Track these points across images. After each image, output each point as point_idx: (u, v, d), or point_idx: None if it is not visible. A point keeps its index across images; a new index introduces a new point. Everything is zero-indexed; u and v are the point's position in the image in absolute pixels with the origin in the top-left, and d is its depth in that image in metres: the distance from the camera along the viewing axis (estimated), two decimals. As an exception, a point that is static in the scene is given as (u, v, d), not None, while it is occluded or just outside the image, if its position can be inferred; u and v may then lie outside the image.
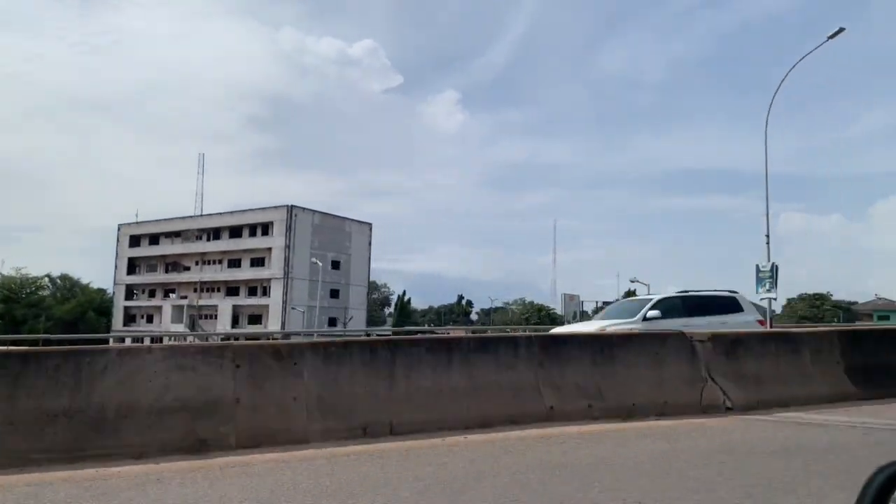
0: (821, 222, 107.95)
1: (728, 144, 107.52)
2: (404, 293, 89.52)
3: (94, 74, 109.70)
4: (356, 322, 69.41)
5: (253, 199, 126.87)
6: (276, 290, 65.93)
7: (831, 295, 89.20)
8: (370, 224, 75.16)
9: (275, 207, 66.87)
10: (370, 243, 74.84)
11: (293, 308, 64.03)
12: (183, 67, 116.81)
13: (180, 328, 67.23)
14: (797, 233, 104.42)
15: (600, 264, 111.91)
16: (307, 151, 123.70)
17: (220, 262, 71.95)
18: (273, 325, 64.52)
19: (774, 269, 19.47)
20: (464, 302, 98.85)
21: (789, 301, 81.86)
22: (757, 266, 19.77)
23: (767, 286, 19.38)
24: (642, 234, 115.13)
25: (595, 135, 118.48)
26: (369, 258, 75.35)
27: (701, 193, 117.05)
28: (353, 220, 73.24)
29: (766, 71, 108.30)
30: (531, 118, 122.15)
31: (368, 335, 39.84)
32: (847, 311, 79.16)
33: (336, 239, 70.21)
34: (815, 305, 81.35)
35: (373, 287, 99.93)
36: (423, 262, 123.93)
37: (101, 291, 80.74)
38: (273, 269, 66.38)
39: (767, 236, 20.06)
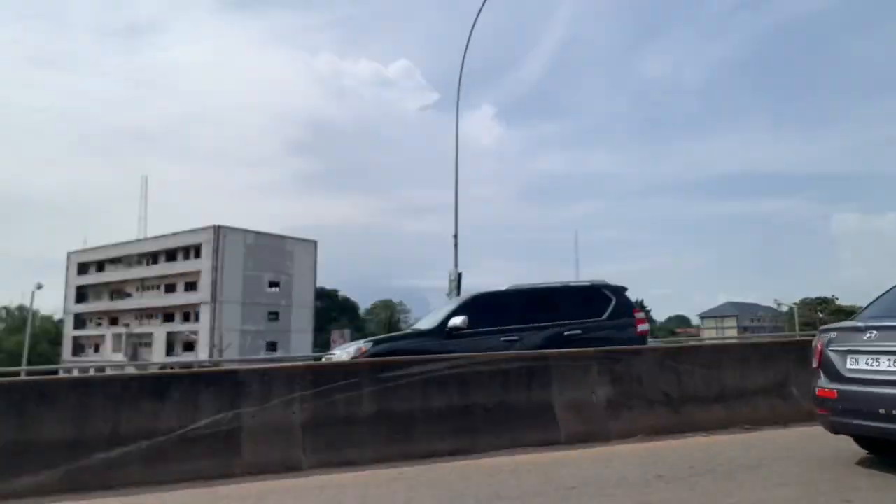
0: (877, 221, 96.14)
1: (774, 147, 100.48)
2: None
3: (139, 107, 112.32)
4: (300, 345, 65.82)
5: (296, 222, 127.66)
6: (207, 316, 62.99)
7: (836, 299, 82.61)
8: (315, 242, 71.76)
9: (203, 229, 64.17)
10: (315, 262, 71.37)
11: (223, 334, 60.90)
12: (224, 97, 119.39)
13: (120, 357, 65.07)
14: (853, 234, 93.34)
15: (648, 274, 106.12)
16: (348, 173, 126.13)
17: (158, 287, 69.70)
18: (203, 352, 61.51)
19: (458, 278, 14.97)
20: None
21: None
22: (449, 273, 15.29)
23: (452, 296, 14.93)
24: (691, 242, 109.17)
25: (635, 143, 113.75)
26: (314, 278, 71.85)
27: (750, 197, 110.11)
28: (295, 238, 69.99)
29: (806, 69, 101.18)
30: (569, 129, 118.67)
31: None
32: (852, 315, 72.01)
33: (274, 259, 67.00)
34: (816, 310, 75.70)
35: (385, 306, 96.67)
36: (467, 277, 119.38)
37: (51, 321, 79.79)
38: (202, 294, 63.54)
39: (455, 237, 15.38)
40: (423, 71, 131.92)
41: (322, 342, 68.86)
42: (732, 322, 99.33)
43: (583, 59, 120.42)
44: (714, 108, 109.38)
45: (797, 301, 76.23)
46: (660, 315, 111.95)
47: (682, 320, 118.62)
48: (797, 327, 52.46)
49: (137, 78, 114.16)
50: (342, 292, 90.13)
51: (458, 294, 14.38)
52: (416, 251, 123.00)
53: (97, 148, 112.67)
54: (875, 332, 4.85)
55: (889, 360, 4.74)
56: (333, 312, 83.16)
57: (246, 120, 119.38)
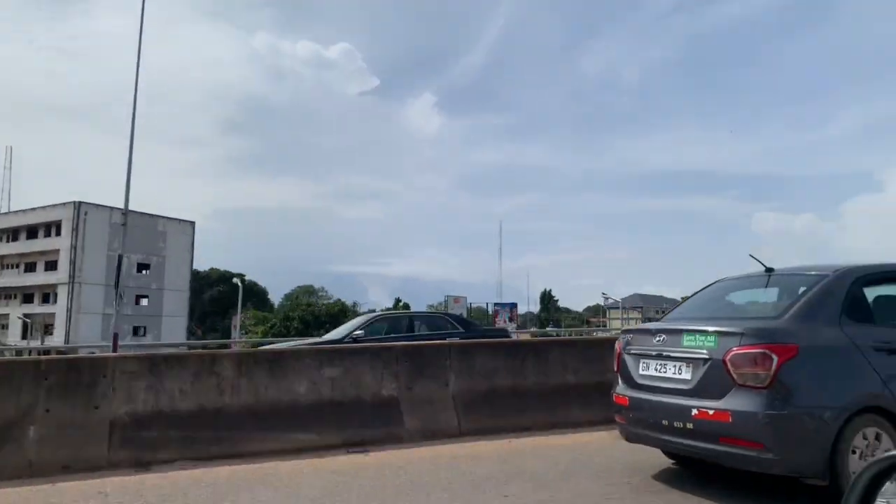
0: (794, 221, 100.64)
1: (703, 146, 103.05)
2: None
3: (64, 79, 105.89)
4: (173, 330, 63.16)
5: (226, 203, 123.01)
6: (64, 297, 59.58)
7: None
8: (192, 222, 68.93)
9: (63, 204, 60.53)
10: (193, 244, 68.53)
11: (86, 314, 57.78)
12: (155, 71, 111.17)
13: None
14: (771, 232, 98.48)
15: (578, 266, 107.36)
16: (284, 155, 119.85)
17: (18, 266, 65.60)
18: (59, 335, 58.26)
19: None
20: (401, 304, 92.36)
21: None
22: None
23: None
24: (622, 236, 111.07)
25: (573, 138, 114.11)
26: (192, 260, 69.05)
27: (679, 194, 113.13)
28: (169, 218, 66.90)
29: (737, 72, 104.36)
30: (509, 121, 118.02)
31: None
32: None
33: (145, 239, 63.78)
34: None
35: (306, 292, 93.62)
36: (403, 265, 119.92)
37: None
38: (61, 274, 60.04)
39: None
40: (365, 55, 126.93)
41: (223, 329, 66.33)
42: (637, 314, 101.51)
43: (524, 52, 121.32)
44: (648, 108, 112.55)
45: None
46: (580, 305, 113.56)
47: (598, 310, 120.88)
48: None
49: (63, 48, 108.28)
50: (250, 277, 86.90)
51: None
52: (353, 237, 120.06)
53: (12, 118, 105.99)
54: (664, 335, 4.52)
55: (675, 366, 4.35)
56: (235, 298, 79.92)
57: (178, 97, 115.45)
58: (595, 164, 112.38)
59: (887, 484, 1.52)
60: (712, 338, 4.17)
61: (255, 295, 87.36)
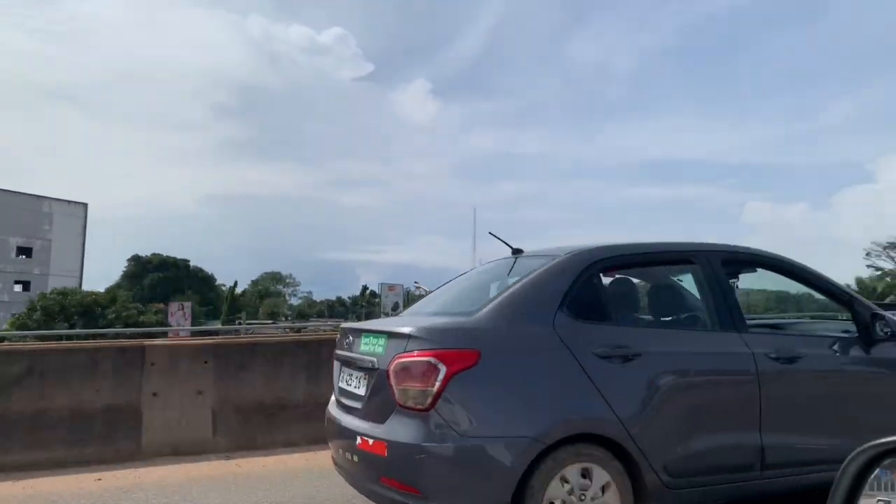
0: (786, 211, 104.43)
1: (696, 134, 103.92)
2: (235, 284, 78.35)
3: (56, 63, 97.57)
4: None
5: (218, 189, 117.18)
6: (-71, 282, 53.83)
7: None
8: (85, 204, 63.87)
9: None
10: (85, 227, 63.55)
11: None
12: (148, 56, 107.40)
13: None
14: (763, 222, 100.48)
15: None
16: (277, 141, 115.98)
17: None
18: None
19: None
20: (367, 292, 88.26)
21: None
22: None
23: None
24: (616, 224, 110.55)
25: (567, 125, 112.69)
26: (83, 244, 64.05)
27: (672, 183, 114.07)
28: (57, 199, 61.70)
29: (730, 60, 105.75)
30: (503, 108, 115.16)
31: None
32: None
33: (27, 221, 58.59)
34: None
35: (273, 279, 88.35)
36: (397, 252, 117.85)
37: None
38: (-75, 256, 54.20)
39: None
40: (359, 40, 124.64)
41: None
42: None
43: (518, 39, 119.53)
44: (641, 96, 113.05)
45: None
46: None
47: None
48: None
49: (55, 31, 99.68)
50: (194, 262, 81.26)
51: None
52: (346, 224, 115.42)
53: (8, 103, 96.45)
54: (352, 336, 3.49)
55: (356, 377, 3.31)
56: (179, 284, 74.66)
57: (171, 82, 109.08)
58: (588, 152, 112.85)
59: (876, 471, 1.46)
60: (382, 340, 3.07)
61: (202, 281, 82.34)
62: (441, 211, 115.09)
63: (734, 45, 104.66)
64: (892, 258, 53.77)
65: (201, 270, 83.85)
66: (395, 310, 34.29)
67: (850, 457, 1.46)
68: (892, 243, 53.81)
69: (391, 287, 46.73)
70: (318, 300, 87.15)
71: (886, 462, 1.46)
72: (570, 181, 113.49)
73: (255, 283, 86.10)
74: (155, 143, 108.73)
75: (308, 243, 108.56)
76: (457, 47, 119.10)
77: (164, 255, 77.43)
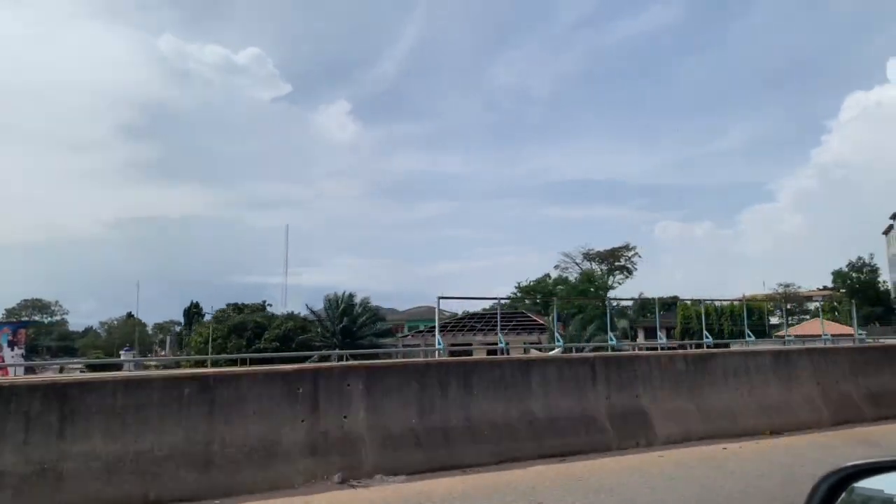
0: (693, 229, 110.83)
1: (609, 157, 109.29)
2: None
3: None
4: None
5: (127, 212, 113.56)
6: None
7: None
8: None
9: None
10: None
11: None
12: (46, 73, 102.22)
13: None
14: (673, 239, 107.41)
15: (491, 270, 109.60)
16: (190, 162, 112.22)
17: None
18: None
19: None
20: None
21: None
22: None
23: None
24: (535, 243, 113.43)
25: (487, 147, 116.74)
26: None
27: (587, 203, 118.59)
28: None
29: (638, 87, 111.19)
30: (424, 130, 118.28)
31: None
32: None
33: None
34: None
35: (36, 305, 76.11)
36: (316, 274, 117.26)
37: None
38: None
39: None
40: (276, 61, 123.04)
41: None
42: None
43: (438, 61, 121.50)
44: (557, 118, 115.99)
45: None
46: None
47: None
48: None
49: None
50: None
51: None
52: (263, 246, 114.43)
53: None
54: None
55: None
56: None
57: (72, 99, 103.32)
58: (507, 173, 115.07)
59: (843, 495, 1.51)
60: None
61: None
62: (360, 232, 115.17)
63: (644, 69, 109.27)
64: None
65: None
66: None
67: (820, 478, 1.47)
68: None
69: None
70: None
71: (855, 483, 1.50)
72: (491, 201, 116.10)
73: (10, 311, 69.23)
74: (52, 163, 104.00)
75: (220, 267, 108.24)
76: (377, 69, 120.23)
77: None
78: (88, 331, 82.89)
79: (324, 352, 25.82)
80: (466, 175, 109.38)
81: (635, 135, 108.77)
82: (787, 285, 60.46)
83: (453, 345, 29.69)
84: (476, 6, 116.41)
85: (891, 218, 57.29)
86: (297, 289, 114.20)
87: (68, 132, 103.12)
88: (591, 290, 58.54)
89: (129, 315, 72.35)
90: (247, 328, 33.93)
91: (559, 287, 61.78)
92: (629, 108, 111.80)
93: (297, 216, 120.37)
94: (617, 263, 67.56)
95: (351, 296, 34.87)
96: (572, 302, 43.74)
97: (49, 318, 76.22)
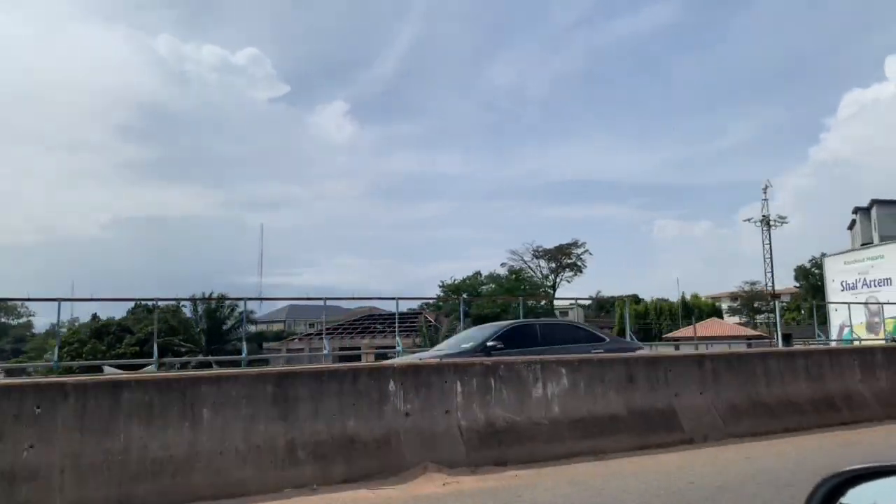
0: (692, 228, 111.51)
1: (607, 156, 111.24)
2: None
3: None
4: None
5: (125, 213, 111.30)
6: None
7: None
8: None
9: None
10: None
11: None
12: (44, 74, 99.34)
13: None
14: (671, 239, 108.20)
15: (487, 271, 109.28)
16: (188, 162, 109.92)
17: None
18: None
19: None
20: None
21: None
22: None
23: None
24: (530, 243, 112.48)
25: (484, 147, 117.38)
26: None
27: (585, 203, 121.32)
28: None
29: (637, 86, 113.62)
30: (422, 130, 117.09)
31: None
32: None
33: None
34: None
35: None
36: (313, 275, 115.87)
37: None
38: None
39: None
40: (274, 61, 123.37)
41: None
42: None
43: (435, 61, 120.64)
44: (555, 118, 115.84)
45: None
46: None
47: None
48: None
49: None
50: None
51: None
52: (259, 246, 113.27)
53: None
54: None
55: None
56: None
57: (68, 99, 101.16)
58: (505, 172, 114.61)
59: (840, 501, 1.51)
60: None
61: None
62: (359, 232, 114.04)
63: (642, 69, 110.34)
64: None
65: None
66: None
67: (818, 482, 1.51)
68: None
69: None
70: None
71: (853, 488, 1.50)
72: (490, 201, 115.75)
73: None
74: (48, 163, 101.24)
75: (221, 267, 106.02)
76: (375, 69, 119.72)
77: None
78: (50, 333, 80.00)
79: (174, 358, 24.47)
80: (465, 175, 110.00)
81: (634, 134, 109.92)
82: (753, 283, 59.92)
83: (343, 348, 27.54)
84: (474, 6, 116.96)
85: (853, 213, 56.94)
86: (292, 289, 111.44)
87: (64, 133, 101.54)
88: (523, 288, 55.40)
89: (93, 316, 70.80)
90: (110, 331, 30.95)
91: (483, 287, 58.67)
92: (628, 108, 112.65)
93: (296, 216, 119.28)
94: (567, 261, 65.73)
95: (222, 296, 31.84)
96: (495, 301, 42.47)
97: (17, 321, 74.35)
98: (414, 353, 15.39)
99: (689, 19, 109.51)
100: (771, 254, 54.56)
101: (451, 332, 27.65)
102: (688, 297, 58.22)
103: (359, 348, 29.99)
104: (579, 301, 30.15)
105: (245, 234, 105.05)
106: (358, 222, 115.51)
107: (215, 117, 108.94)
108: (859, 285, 24.48)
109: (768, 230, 54.82)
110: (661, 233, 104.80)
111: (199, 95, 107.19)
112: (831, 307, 25.73)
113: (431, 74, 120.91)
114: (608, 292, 67.79)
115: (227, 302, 31.85)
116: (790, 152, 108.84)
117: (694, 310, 46.67)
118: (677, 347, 29.60)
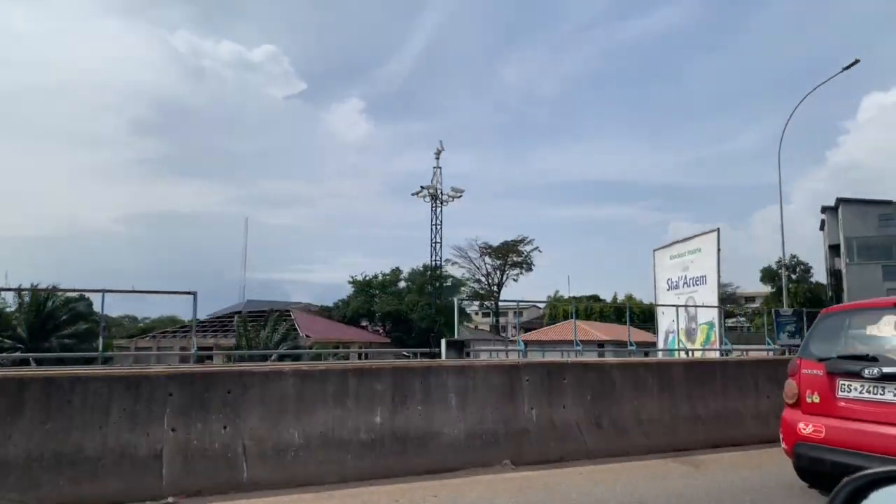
0: (706, 230, 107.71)
1: (621, 157, 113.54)
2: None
3: None
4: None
5: (138, 208, 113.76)
6: None
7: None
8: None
9: None
10: None
11: None
12: (62, 70, 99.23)
13: None
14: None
15: None
16: (203, 159, 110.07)
17: None
18: None
19: None
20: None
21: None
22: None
23: None
24: (544, 244, 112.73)
25: (497, 147, 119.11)
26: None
27: (598, 204, 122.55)
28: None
29: (652, 87, 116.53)
30: (435, 129, 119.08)
31: None
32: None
33: None
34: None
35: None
36: (326, 271, 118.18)
37: None
38: None
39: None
40: (291, 59, 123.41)
41: None
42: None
43: (449, 61, 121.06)
44: (569, 118, 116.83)
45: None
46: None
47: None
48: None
49: None
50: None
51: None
52: (275, 243, 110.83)
53: None
54: None
55: None
56: None
57: (86, 95, 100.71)
58: (517, 173, 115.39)
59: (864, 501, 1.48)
60: None
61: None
62: (373, 230, 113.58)
63: (655, 71, 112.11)
64: None
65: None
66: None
67: (839, 485, 1.48)
68: None
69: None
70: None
71: (875, 491, 1.47)
72: (501, 201, 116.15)
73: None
74: (64, 158, 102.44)
75: (234, 263, 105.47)
76: (390, 68, 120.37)
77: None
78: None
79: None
80: (476, 174, 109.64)
81: (647, 135, 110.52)
82: (726, 285, 58.74)
83: (182, 348, 27.13)
84: (488, 6, 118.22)
85: (822, 212, 57.54)
86: (306, 285, 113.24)
87: (81, 128, 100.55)
88: (437, 286, 52.60)
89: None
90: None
91: (401, 284, 55.36)
92: (641, 109, 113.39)
93: (309, 213, 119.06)
94: (516, 259, 64.19)
95: (54, 288, 27.85)
96: (403, 301, 40.97)
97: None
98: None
99: (704, 20, 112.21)
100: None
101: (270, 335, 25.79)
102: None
103: (211, 348, 28.65)
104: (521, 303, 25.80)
105: (256, 230, 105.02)
106: (370, 220, 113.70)
107: (231, 114, 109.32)
108: (681, 284, 19.42)
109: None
110: (675, 234, 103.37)
111: (215, 92, 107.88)
112: (658, 310, 21.04)
113: (445, 74, 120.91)
114: (605, 294, 67.57)
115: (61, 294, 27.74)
116: (807, 155, 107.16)
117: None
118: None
